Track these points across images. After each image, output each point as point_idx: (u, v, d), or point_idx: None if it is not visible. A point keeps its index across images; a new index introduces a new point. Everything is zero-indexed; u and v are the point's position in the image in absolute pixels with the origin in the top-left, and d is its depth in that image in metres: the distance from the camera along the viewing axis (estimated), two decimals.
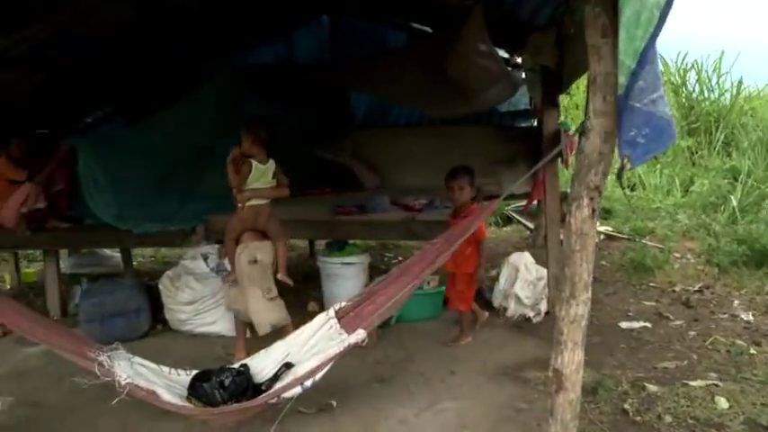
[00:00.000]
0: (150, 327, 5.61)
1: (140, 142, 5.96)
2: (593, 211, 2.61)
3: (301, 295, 6.34)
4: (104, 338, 4.14)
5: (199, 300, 5.36)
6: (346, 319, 3.66)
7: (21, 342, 5.12)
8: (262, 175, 4.59)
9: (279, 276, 4.68)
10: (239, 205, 4.62)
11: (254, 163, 4.53)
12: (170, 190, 6.10)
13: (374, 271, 6.27)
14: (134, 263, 7.65)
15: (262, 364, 3.84)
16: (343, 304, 3.76)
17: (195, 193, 6.32)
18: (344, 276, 5.61)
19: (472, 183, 4.74)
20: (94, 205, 5.78)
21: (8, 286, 7.50)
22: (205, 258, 5.54)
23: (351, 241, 6.00)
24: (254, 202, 4.61)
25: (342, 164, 7.81)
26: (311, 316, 3.94)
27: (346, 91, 8.38)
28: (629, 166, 2.44)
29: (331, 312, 3.71)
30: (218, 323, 5.42)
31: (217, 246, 5.56)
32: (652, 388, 3.89)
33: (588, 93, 2.62)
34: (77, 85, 6.16)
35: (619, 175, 2.55)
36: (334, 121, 8.20)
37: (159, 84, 6.60)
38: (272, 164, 4.64)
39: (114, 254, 7.74)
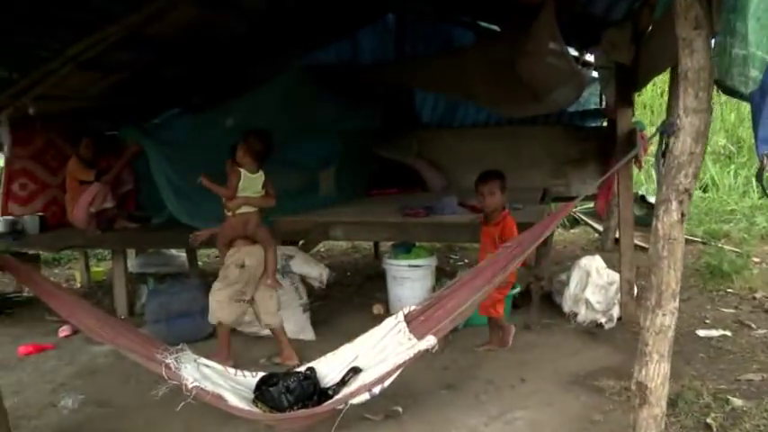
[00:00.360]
0: (214, 328, 5.60)
1: (203, 141, 5.95)
2: (683, 215, 2.47)
3: (366, 297, 6.29)
4: (170, 339, 4.13)
5: None
6: (415, 324, 3.53)
7: (89, 340, 5.17)
8: (251, 184, 4.65)
9: (267, 283, 4.77)
10: (229, 213, 4.69)
11: (243, 172, 4.60)
12: None
13: (440, 273, 6.16)
14: (199, 263, 7.70)
15: (328, 368, 3.74)
16: (413, 308, 3.62)
17: None
18: (411, 279, 5.53)
19: (503, 188, 4.59)
20: (171, 205, 5.78)
21: (78, 284, 7.66)
22: None
23: (418, 243, 5.91)
24: (243, 209, 4.68)
25: (407, 164, 7.74)
26: (376, 318, 3.86)
27: (412, 91, 8.31)
28: None
29: (400, 316, 3.58)
30: None
31: (281, 248, 5.52)
32: (737, 402, 3.67)
33: (675, 89, 2.49)
34: (146, 87, 6.21)
35: (758, 177, 2.36)
36: (400, 121, 8.15)
37: (226, 84, 6.61)
38: (261, 175, 4.70)
39: (180, 254, 7.82)
